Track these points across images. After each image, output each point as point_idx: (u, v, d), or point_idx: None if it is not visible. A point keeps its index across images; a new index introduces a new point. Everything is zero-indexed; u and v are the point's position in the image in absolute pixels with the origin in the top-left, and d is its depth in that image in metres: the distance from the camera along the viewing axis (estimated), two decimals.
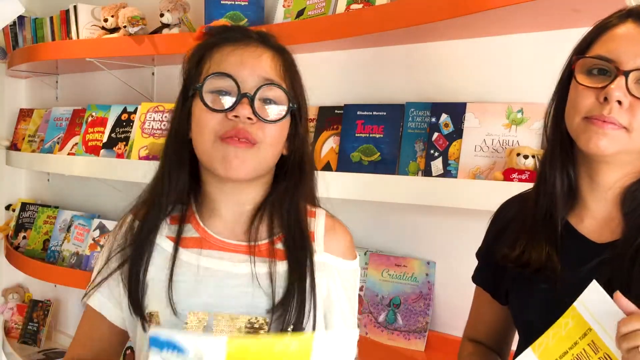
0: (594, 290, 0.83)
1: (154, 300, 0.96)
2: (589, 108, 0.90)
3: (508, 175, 1.44)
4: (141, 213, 1.02)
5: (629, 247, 0.89)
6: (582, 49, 0.95)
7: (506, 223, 1.07)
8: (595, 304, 0.84)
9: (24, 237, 3.10)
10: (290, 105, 0.98)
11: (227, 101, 0.95)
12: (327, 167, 1.84)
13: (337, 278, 1.05)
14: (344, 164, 1.79)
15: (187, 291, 0.95)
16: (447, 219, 1.66)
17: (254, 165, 0.96)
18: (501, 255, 1.03)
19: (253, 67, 0.97)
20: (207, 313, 0.95)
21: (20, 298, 3.36)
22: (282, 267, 0.98)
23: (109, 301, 1.02)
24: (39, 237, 3.01)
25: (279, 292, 0.95)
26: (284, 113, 0.97)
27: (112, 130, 2.55)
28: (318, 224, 1.08)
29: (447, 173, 1.59)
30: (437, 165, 1.61)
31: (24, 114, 3.33)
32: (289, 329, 0.95)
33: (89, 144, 2.61)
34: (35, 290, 3.35)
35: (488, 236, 1.13)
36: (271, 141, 0.96)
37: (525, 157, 1.44)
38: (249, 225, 1.00)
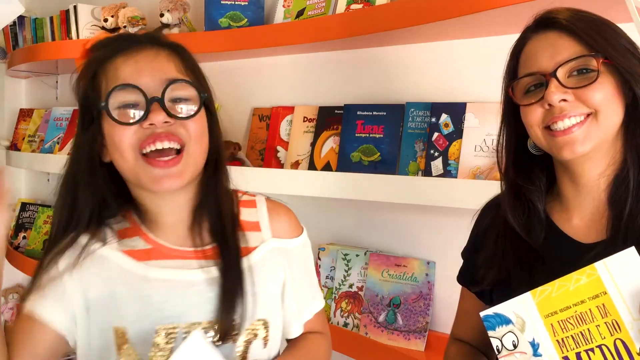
0: (629, 257, 0.81)
1: (117, 316, 0.94)
2: (541, 119, 0.93)
3: None
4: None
5: (616, 246, 0.88)
6: (512, 77, 0.99)
7: (485, 229, 1.08)
8: (623, 270, 0.81)
9: (24, 237, 3.10)
10: (202, 95, 0.96)
11: (138, 112, 0.91)
12: (327, 167, 1.84)
13: (291, 258, 1.08)
14: (344, 164, 1.79)
15: (153, 304, 0.94)
16: (447, 219, 1.66)
17: (189, 172, 0.95)
18: (480, 277, 1.04)
19: (152, 70, 0.93)
20: (177, 324, 0.94)
21: (20, 298, 3.35)
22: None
23: (60, 311, 0.96)
24: (39, 237, 3.01)
25: (231, 292, 0.97)
26: (197, 105, 0.95)
27: None
28: (260, 212, 1.08)
29: (447, 173, 1.59)
30: (437, 165, 1.61)
31: (24, 114, 3.33)
32: (248, 325, 0.98)
33: None
34: None
35: (471, 238, 1.14)
36: (196, 137, 0.95)
37: None
38: (190, 231, 1.00)
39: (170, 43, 1.00)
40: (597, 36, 0.91)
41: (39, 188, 3.42)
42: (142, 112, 0.91)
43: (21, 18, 3.13)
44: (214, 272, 0.97)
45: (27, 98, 3.55)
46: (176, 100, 0.94)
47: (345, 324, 1.79)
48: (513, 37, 1.01)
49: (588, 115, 0.90)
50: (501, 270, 1.00)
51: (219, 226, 1.01)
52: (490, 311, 0.90)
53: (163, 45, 0.98)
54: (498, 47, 1.63)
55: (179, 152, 0.93)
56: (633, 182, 0.92)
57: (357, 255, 1.82)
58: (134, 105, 0.92)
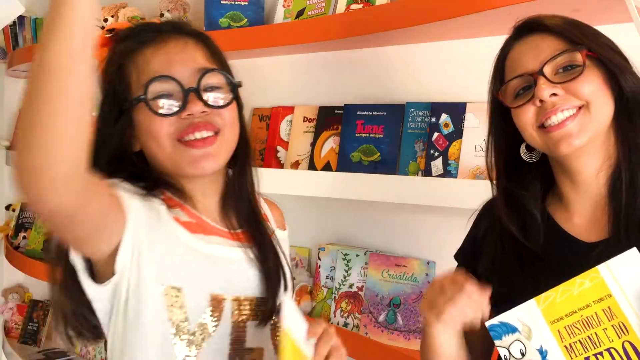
0: (632, 258, 0.80)
1: (174, 275, 0.93)
2: (534, 118, 0.94)
3: None
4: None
5: (619, 243, 0.88)
6: (499, 84, 1.00)
7: (483, 234, 1.08)
8: (626, 271, 0.81)
9: (24, 237, 3.10)
10: (234, 83, 0.99)
11: (172, 103, 0.93)
12: (327, 167, 1.84)
13: (285, 248, 1.14)
14: (344, 164, 1.79)
15: (203, 274, 0.96)
16: (447, 219, 1.66)
17: (224, 154, 0.98)
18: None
19: (184, 60, 0.95)
20: (224, 296, 0.97)
21: (20, 298, 3.36)
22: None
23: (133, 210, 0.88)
24: (39, 237, 3.01)
25: (272, 274, 1.03)
26: (229, 93, 0.98)
27: None
28: (263, 206, 1.15)
29: (447, 173, 1.59)
30: (437, 165, 1.61)
31: None
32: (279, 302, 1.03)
33: None
34: (35, 290, 3.35)
35: (469, 240, 1.13)
36: (231, 124, 0.98)
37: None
38: (221, 214, 1.04)
39: (195, 32, 1.02)
40: (577, 32, 0.94)
41: None
42: (177, 102, 0.93)
43: (21, 18, 3.13)
44: (250, 253, 1.01)
45: None
46: (208, 89, 0.96)
47: (345, 324, 1.79)
48: None
49: (580, 108, 0.91)
50: (502, 282, 0.99)
51: (251, 211, 1.06)
52: (495, 320, 0.90)
53: (188, 34, 1.00)
54: (498, 47, 1.63)
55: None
56: (625, 177, 0.93)
57: (357, 255, 1.82)
58: (168, 96, 0.93)
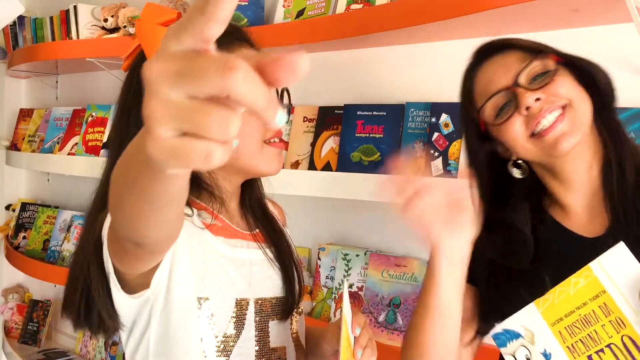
0: (619, 253, 0.81)
1: (202, 285, 0.92)
2: (524, 127, 0.93)
3: None
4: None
5: (621, 232, 0.89)
6: (474, 106, 0.99)
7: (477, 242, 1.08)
8: (616, 266, 0.81)
9: (24, 237, 3.10)
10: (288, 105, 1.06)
11: None
12: (327, 167, 1.84)
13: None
14: (344, 164, 1.79)
15: (230, 278, 0.96)
16: None
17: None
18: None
19: None
20: (248, 298, 0.98)
21: (20, 298, 3.36)
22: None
23: None
24: (39, 237, 3.01)
25: (289, 272, 1.05)
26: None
27: None
28: (269, 206, 1.18)
29: (447, 173, 1.59)
30: (437, 165, 1.61)
31: (24, 114, 3.33)
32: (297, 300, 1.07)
33: (89, 144, 2.61)
34: (35, 290, 3.35)
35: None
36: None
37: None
38: (241, 216, 1.07)
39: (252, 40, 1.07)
40: (538, 44, 0.97)
41: (39, 188, 3.42)
42: None
43: (21, 18, 3.13)
44: (268, 253, 1.04)
45: (27, 98, 3.55)
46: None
47: None
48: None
49: (564, 107, 0.92)
50: (498, 284, 0.99)
51: (263, 211, 1.10)
52: (499, 328, 0.90)
53: (248, 41, 1.06)
54: None
55: None
56: (614, 164, 0.94)
57: (357, 255, 1.82)
58: None
